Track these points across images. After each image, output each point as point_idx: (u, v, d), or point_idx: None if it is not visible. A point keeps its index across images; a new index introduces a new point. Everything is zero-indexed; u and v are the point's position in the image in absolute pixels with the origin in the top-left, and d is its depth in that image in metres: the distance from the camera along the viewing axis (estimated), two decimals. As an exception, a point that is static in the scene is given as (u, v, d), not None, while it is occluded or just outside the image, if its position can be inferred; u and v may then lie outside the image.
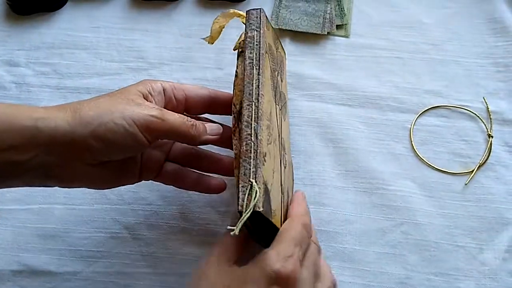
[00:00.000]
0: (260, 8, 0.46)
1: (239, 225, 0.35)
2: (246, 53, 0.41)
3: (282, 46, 0.54)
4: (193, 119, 0.43)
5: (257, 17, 0.44)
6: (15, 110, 0.37)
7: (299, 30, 0.62)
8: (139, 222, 0.51)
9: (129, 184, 0.45)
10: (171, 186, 0.52)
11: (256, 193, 0.35)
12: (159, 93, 0.43)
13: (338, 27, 0.63)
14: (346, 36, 0.63)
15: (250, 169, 0.36)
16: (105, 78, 0.60)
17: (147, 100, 0.41)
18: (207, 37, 0.50)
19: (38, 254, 0.50)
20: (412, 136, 0.55)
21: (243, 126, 0.38)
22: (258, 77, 0.40)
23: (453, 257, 0.49)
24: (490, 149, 0.54)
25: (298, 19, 0.63)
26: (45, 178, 0.39)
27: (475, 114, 0.57)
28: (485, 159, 0.54)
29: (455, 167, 0.54)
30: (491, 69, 0.60)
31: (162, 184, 0.52)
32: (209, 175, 0.48)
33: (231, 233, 0.35)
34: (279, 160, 0.42)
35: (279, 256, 0.36)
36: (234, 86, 0.42)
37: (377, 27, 0.64)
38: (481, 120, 0.56)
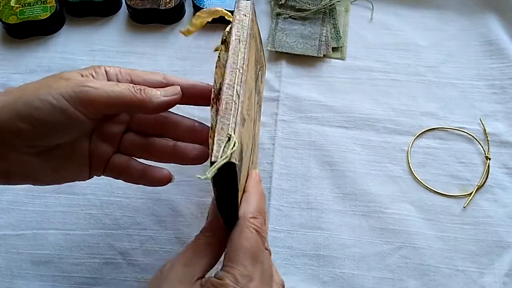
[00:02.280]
0: (251, 0, 0.44)
1: (213, 169, 0.31)
2: (233, 31, 0.40)
3: (264, 55, 0.53)
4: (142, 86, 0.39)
5: (246, 6, 0.43)
6: None
7: (295, 52, 0.62)
8: (135, 247, 0.50)
9: (80, 180, 0.42)
10: (167, 211, 0.52)
11: (234, 144, 0.32)
12: (102, 75, 0.39)
13: (334, 49, 0.63)
14: (342, 59, 0.63)
15: (229, 124, 0.34)
16: (101, 101, 0.60)
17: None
18: (184, 29, 0.48)
19: (32, 280, 0.49)
20: (409, 159, 0.55)
21: (225, 88, 0.36)
22: (244, 50, 0.39)
23: (453, 281, 0.48)
24: (488, 171, 0.54)
25: (294, 41, 0.63)
26: None
27: (472, 136, 0.56)
28: (483, 181, 0.54)
29: (453, 189, 0.54)
30: (487, 91, 0.60)
31: (158, 208, 0.52)
32: (155, 167, 0.44)
33: (202, 177, 0.31)
34: (251, 144, 0.41)
35: (238, 284, 0.33)
36: (215, 68, 0.40)
37: (373, 50, 0.64)
38: (478, 142, 0.56)
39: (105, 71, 0.39)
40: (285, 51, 0.62)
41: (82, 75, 0.38)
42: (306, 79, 0.61)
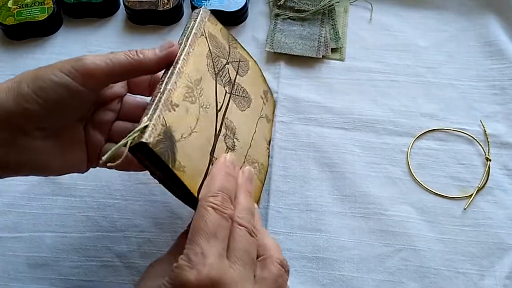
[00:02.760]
0: (203, 7, 0.48)
1: (112, 151, 0.34)
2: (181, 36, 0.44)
3: (247, 52, 0.53)
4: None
5: (197, 13, 0.46)
6: None
7: (294, 53, 0.62)
8: (132, 250, 0.50)
9: (81, 170, 0.43)
10: (165, 213, 0.52)
11: (146, 127, 0.35)
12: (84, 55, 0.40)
13: (333, 50, 0.63)
14: (341, 60, 0.63)
15: (150, 109, 0.37)
16: (99, 103, 0.59)
17: None
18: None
19: (28, 283, 0.48)
20: (409, 160, 0.55)
21: (160, 78, 0.40)
22: (186, 43, 0.42)
23: (453, 284, 0.48)
24: (489, 172, 0.54)
25: (293, 42, 0.62)
26: None
27: (472, 137, 0.56)
28: (483, 183, 0.53)
29: (453, 191, 0.53)
30: (487, 92, 0.60)
31: (155, 211, 0.51)
32: None
33: (103, 159, 0.34)
34: (214, 131, 0.42)
35: (191, 262, 0.32)
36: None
37: (372, 50, 0.63)
38: (479, 143, 0.56)
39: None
40: (284, 52, 0.62)
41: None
42: (305, 80, 0.61)
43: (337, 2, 0.66)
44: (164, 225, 0.51)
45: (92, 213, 0.52)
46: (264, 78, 0.56)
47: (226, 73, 0.47)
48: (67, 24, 0.66)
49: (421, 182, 0.53)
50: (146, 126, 0.35)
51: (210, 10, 0.48)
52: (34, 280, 0.49)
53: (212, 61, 0.45)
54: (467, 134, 0.56)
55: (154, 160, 0.36)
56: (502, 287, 0.47)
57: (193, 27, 0.44)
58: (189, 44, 0.43)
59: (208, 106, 0.42)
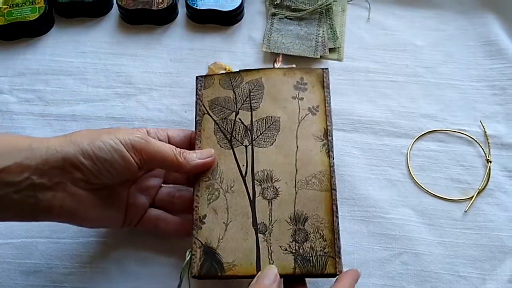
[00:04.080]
0: (198, 77, 0.52)
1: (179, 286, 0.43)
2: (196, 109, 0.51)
3: (257, 69, 0.52)
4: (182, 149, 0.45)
5: (198, 83, 0.52)
6: (11, 135, 0.42)
7: (291, 53, 0.61)
8: (127, 255, 0.49)
9: (113, 226, 0.47)
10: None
11: (191, 259, 0.43)
12: (144, 133, 0.45)
13: (331, 50, 0.62)
14: (339, 60, 0.62)
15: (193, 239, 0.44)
16: (92, 104, 0.58)
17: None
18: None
19: (21, 290, 0.47)
20: (409, 162, 0.54)
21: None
22: (196, 140, 0.49)
23: (455, 288, 0.47)
24: (489, 174, 0.53)
25: (290, 42, 0.61)
26: (34, 207, 0.40)
27: (473, 138, 0.55)
28: (484, 185, 0.53)
29: (453, 193, 0.52)
30: (487, 92, 0.59)
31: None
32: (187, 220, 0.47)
33: None
34: (248, 201, 0.45)
35: None
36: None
37: (370, 50, 0.63)
38: (479, 144, 0.55)
39: (147, 131, 0.47)
40: (281, 52, 0.61)
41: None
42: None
43: (334, 1, 0.65)
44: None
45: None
46: (290, 69, 0.52)
47: (239, 126, 0.49)
48: (59, 24, 0.65)
49: (421, 185, 0.53)
50: (190, 258, 0.43)
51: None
52: (27, 287, 0.47)
53: (222, 131, 0.49)
54: (467, 135, 0.56)
55: (210, 277, 0.43)
56: (504, 291, 0.47)
57: (195, 114, 0.50)
58: (196, 137, 0.49)
59: (233, 185, 0.46)
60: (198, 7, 0.62)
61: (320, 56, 0.61)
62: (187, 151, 0.45)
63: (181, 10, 0.66)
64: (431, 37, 0.64)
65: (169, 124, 0.57)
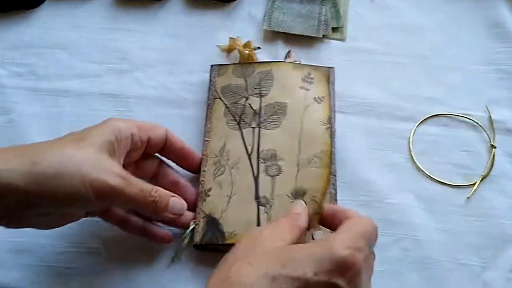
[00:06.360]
0: (213, 65, 0.55)
1: (175, 256, 0.46)
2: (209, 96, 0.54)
3: (269, 62, 0.56)
4: (158, 191, 0.41)
5: (213, 71, 0.55)
6: None
7: (292, 32, 0.59)
8: (118, 236, 0.47)
9: (74, 221, 0.44)
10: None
11: (193, 229, 0.46)
12: (126, 138, 0.42)
13: (334, 30, 0.60)
14: (342, 40, 0.60)
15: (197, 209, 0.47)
16: (85, 80, 0.57)
17: (113, 151, 0.40)
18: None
19: (10, 270, 0.46)
20: (411, 146, 0.52)
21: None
22: (206, 119, 0.52)
23: (454, 275, 0.46)
24: (493, 160, 0.52)
25: (292, 21, 0.59)
26: None
27: (477, 123, 0.54)
28: (488, 171, 0.51)
29: (456, 179, 0.51)
30: (493, 76, 0.57)
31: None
32: (155, 224, 0.47)
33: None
34: (252, 176, 0.48)
35: (349, 244, 0.34)
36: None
37: (374, 31, 0.61)
38: (483, 129, 0.53)
39: (131, 134, 0.42)
40: (282, 31, 0.59)
41: (109, 145, 0.40)
42: (303, 60, 0.57)
43: (338, -21, 0.62)
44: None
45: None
46: (300, 65, 0.56)
47: (248, 109, 0.52)
48: (53, -5, 0.63)
49: (423, 170, 0.51)
50: (194, 228, 0.46)
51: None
52: (16, 266, 0.47)
53: (232, 114, 0.51)
54: (471, 119, 0.54)
55: (211, 245, 0.45)
56: (505, 280, 0.46)
57: (208, 98, 0.53)
58: (207, 118, 0.52)
59: (238, 162, 0.49)
60: (197, -19, 0.61)
61: (323, 36, 0.59)
62: (160, 199, 0.42)
63: (181, -18, 0.63)
64: (437, 18, 0.62)
65: (164, 102, 0.56)
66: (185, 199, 0.44)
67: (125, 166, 0.42)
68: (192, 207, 0.47)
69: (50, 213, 0.40)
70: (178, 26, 0.61)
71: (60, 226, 0.43)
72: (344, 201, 0.49)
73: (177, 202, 0.43)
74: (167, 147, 0.46)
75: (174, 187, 0.47)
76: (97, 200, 0.38)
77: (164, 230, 0.46)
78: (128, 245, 0.47)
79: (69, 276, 0.46)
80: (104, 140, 0.40)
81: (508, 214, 0.49)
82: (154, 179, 0.48)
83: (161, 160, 0.48)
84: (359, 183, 0.50)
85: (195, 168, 0.49)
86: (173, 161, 0.49)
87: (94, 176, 0.37)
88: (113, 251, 0.47)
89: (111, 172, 0.39)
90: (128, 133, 0.42)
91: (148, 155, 0.47)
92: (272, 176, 0.48)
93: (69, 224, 0.47)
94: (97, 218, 0.47)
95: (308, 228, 0.40)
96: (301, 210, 0.40)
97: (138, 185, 0.40)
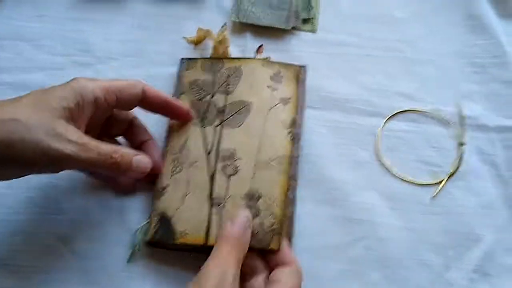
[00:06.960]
0: (182, 59, 0.54)
1: (131, 254, 0.45)
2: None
3: (239, 58, 0.54)
4: (119, 152, 0.42)
5: (181, 65, 0.54)
6: None
7: (261, 24, 0.57)
8: (77, 233, 0.46)
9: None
10: (114, 195, 0.49)
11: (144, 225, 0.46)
12: (89, 103, 0.41)
13: (304, 21, 0.58)
14: (313, 31, 0.58)
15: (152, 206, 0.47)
16: (47, 73, 0.55)
17: (71, 117, 0.40)
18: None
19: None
20: (379, 142, 0.51)
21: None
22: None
23: (417, 275, 0.45)
24: (461, 157, 0.50)
25: (261, 12, 0.58)
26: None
27: (447, 119, 0.52)
28: (455, 168, 0.50)
29: (423, 176, 0.50)
30: (467, 70, 0.56)
31: (104, 192, 0.48)
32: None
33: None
34: (208, 175, 0.47)
35: None
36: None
37: (347, 22, 0.59)
38: (453, 125, 0.52)
39: (94, 98, 0.41)
40: (251, 23, 0.57)
41: (69, 111, 0.40)
42: (272, 53, 0.56)
43: (311, -33, 0.60)
44: (112, 207, 0.48)
45: (34, 194, 0.48)
46: (270, 62, 0.54)
47: (213, 108, 0.50)
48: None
49: (389, 167, 0.50)
50: (145, 224, 0.46)
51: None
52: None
53: (195, 110, 0.50)
54: (441, 115, 0.53)
55: (162, 244, 0.45)
56: (468, 281, 0.45)
57: (173, 92, 0.52)
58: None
59: (197, 160, 0.48)
60: (165, -29, 0.59)
61: (293, 28, 0.58)
62: (121, 159, 0.42)
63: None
64: (412, 9, 0.60)
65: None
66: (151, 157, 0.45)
67: (91, 126, 0.43)
68: (156, 165, 0.47)
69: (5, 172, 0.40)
70: (145, 16, 0.59)
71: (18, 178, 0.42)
72: (306, 198, 0.48)
73: (141, 160, 0.44)
74: (147, 103, 0.46)
75: (142, 145, 0.48)
76: (52, 166, 0.39)
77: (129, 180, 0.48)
78: (87, 241, 0.46)
79: (26, 274, 0.45)
80: (64, 106, 0.39)
81: (475, 212, 0.48)
82: (125, 134, 0.49)
83: (134, 116, 0.49)
84: (323, 181, 0.49)
85: (184, 119, 0.50)
86: (161, 114, 0.49)
87: (46, 144, 0.37)
88: (71, 248, 0.46)
89: (65, 139, 0.38)
90: (91, 98, 0.41)
91: (121, 111, 0.48)
92: (228, 176, 0.47)
93: (25, 222, 0.47)
94: (55, 215, 0.47)
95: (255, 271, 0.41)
96: (244, 224, 0.41)
97: (97, 149, 0.40)
